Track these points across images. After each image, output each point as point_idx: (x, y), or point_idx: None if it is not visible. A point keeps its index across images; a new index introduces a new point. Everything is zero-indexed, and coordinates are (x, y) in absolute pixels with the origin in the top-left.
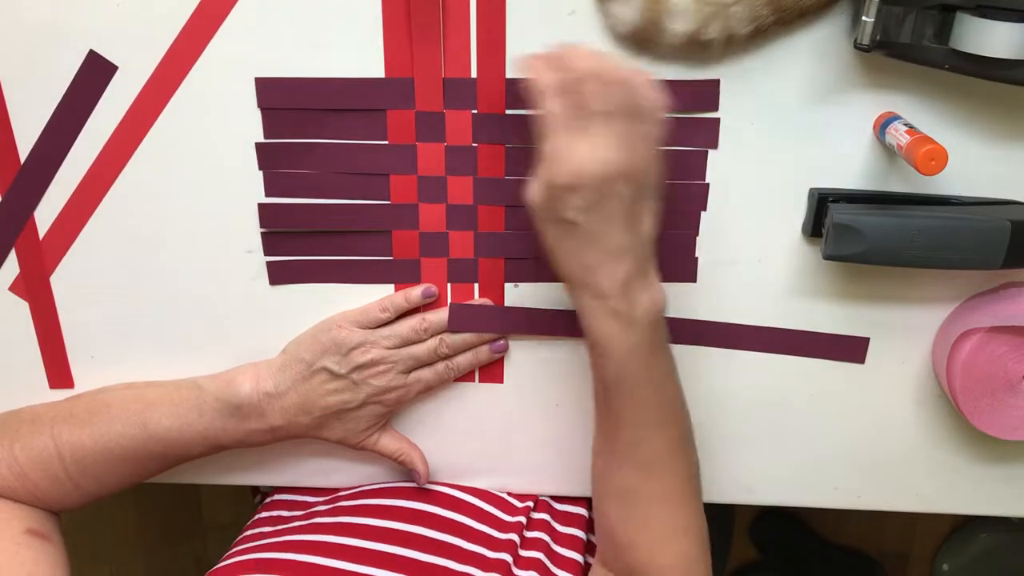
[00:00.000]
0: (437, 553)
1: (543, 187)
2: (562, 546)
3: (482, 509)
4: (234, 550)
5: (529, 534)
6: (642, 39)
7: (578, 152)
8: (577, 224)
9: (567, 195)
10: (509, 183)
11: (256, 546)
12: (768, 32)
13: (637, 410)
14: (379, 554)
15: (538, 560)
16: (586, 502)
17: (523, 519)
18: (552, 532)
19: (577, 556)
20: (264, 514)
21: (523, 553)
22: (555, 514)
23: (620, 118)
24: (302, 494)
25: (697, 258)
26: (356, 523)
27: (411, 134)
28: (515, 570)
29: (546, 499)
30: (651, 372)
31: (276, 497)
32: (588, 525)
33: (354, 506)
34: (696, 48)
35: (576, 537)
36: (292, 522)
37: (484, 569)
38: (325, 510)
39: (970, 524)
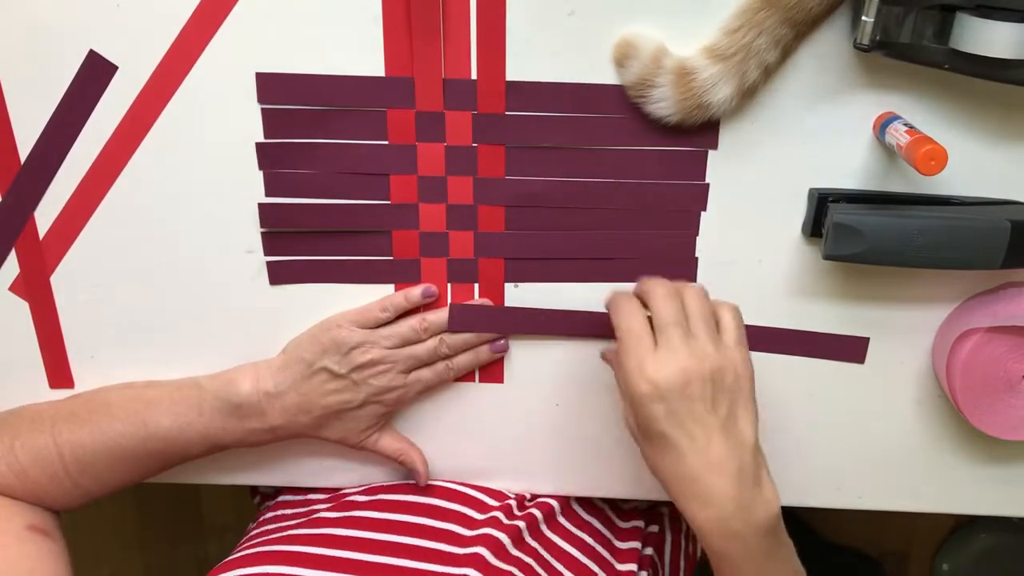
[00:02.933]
0: (433, 539)
1: (627, 402)
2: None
3: (475, 497)
4: (240, 547)
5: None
6: (690, 119)
7: (649, 366)
8: (667, 435)
9: (650, 405)
10: (509, 183)
11: (260, 542)
12: (791, 49)
13: None
14: (381, 542)
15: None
16: (586, 501)
17: (512, 502)
18: (555, 526)
19: (578, 554)
20: (269, 514)
21: (525, 539)
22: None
23: (693, 325)
24: (306, 494)
25: (697, 258)
26: (360, 516)
27: (411, 134)
28: (513, 550)
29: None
30: (770, 572)
31: (281, 498)
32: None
33: (358, 501)
34: (747, 96)
35: (578, 537)
36: (296, 519)
37: (467, 545)
38: (329, 506)
39: (970, 524)
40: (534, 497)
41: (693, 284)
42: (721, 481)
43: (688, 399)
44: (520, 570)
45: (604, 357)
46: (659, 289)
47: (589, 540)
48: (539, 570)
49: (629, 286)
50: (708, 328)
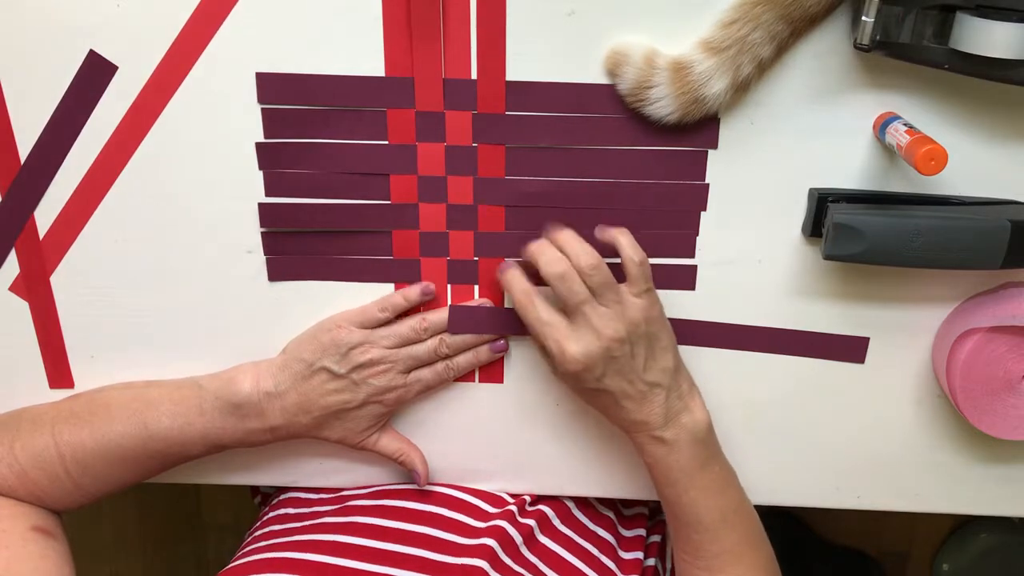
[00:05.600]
0: (437, 550)
1: (560, 376)
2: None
3: (475, 505)
4: (243, 551)
5: (526, 521)
6: (689, 115)
7: (570, 349)
8: (601, 390)
9: (582, 376)
10: (509, 183)
11: (265, 546)
12: (787, 47)
13: (701, 518)
14: (386, 553)
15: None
16: (590, 508)
17: (515, 508)
18: (553, 531)
19: (580, 564)
20: (272, 513)
21: (521, 547)
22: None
23: (600, 297)
24: (308, 493)
25: (697, 259)
26: (362, 522)
27: (411, 134)
28: (503, 558)
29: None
30: (704, 485)
31: (283, 496)
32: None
33: (361, 506)
34: (740, 91)
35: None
36: (300, 521)
37: (465, 556)
38: (332, 510)
39: (970, 524)
40: (535, 501)
41: (583, 250)
42: (649, 404)
43: (612, 360)
44: None
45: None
46: (555, 270)
47: (593, 550)
48: None
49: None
50: (612, 290)
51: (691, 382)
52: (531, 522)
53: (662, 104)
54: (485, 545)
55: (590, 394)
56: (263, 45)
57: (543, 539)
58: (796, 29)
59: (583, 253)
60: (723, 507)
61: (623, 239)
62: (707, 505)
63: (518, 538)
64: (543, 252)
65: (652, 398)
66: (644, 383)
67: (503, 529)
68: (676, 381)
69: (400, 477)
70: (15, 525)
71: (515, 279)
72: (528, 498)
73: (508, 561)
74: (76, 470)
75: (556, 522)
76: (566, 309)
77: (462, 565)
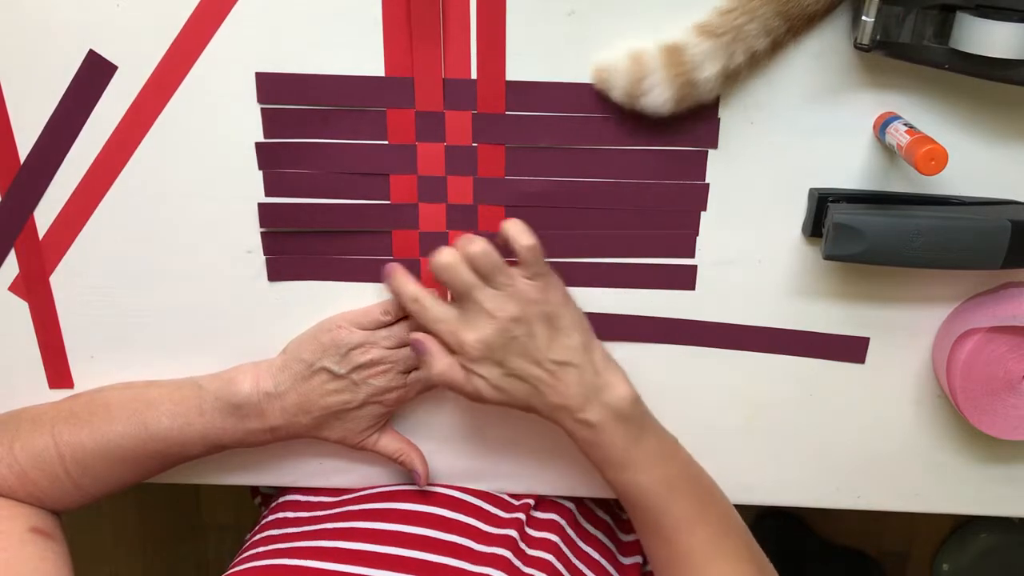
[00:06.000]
0: (442, 552)
1: (468, 368)
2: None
3: (481, 508)
4: (241, 556)
5: (536, 533)
6: (683, 100)
7: (466, 337)
8: (511, 373)
9: (485, 364)
10: (509, 183)
11: (264, 552)
12: (783, 43)
13: (646, 493)
14: (386, 557)
15: (546, 561)
16: (590, 513)
17: (522, 516)
18: (562, 534)
19: (584, 568)
20: (271, 517)
21: (529, 551)
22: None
23: (491, 281)
24: (307, 494)
25: (697, 259)
26: (363, 527)
27: (411, 134)
28: (517, 564)
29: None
30: (642, 459)
31: (281, 500)
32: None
33: (361, 510)
34: (730, 79)
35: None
36: (299, 526)
37: (479, 564)
38: (331, 515)
39: (970, 524)
40: (539, 502)
41: (469, 240)
42: (563, 384)
43: (512, 341)
44: None
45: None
46: (441, 262)
47: (594, 554)
48: None
49: (629, 290)
50: (503, 274)
51: (607, 359)
52: (539, 533)
53: (657, 92)
54: (497, 555)
55: (507, 388)
56: (263, 45)
57: (547, 552)
58: (793, 27)
59: (470, 242)
60: (667, 477)
61: (511, 226)
62: (651, 478)
63: (527, 548)
64: (433, 253)
65: (564, 377)
66: (552, 362)
67: (514, 539)
68: (588, 358)
69: (400, 477)
70: (13, 527)
71: (403, 284)
72: (532, 501)
73: (520, 566)
74: (76, 470)
75: (566, 528)
76: (458, 299)
77: (474, 572)
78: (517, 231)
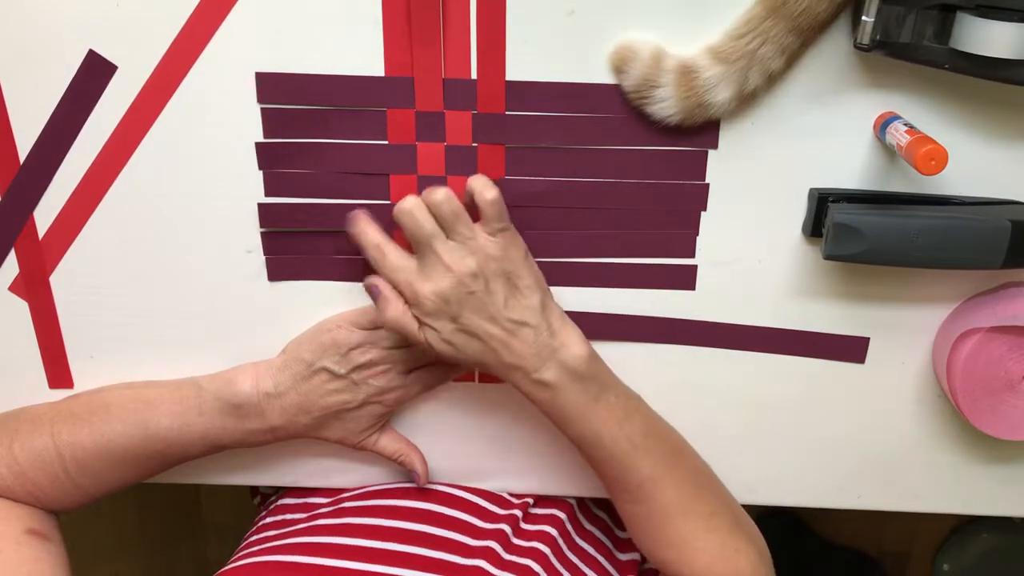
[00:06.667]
0: (435, 548)
1: (424, 328)
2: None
3: (478, 504)
4: (238, 554)
5: (532, 527)
6: (692, 119)
7: (422, 288)
8: (465, 329)
9: (438, 316)
10: (509, 183)
11: (260, 550)
12: (797, 55)
13: (611, 451)
14: (381, 552)
15: (538, 550)
16: (587, 511)
17: (519, 512)
18: (560, 528)
19: (581, 565)
20: (269, 519)
21: (521, 543)
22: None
23: (451, 232)
24: (306, 496)
25: (697, 259)
26: (359, 523)
27: (411, 134)
28: (505, 556)
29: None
30: (603, 417)
31: (281, 502)
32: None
33: (356, 507)
34: (746, 101)
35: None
36: (296, 524)
37: (470, 557)
38: (328, 512)
39: (970, 524)
40: (538, 500)
41: (434, 188)
42: (518, 344)
43: (469, 297)
44: None
45: (373, 291)
46: (404, 207)
47: (591, 550)
48: None
49: (629, 290)
50: (464, 225)
51: (563, 318)
52: (536, 527)
53: (665, 105)
54: (488, 547)
55: (458, 344)
56: (263, 45)
57: (541, 543)
58: (806, 39)
59: (434, 191)
60: (630, 435)
61: (475, 180)
62: (612, 437)
63: (519, 541)
64: (398, 206)
65: (520, 337)
66: (509, 321)
67: (505, 534)
68: (544, 319)
69: (399, 477)
70: (10, 528)
71: (366, 231)
72: (531, 500)
73: (511, 559)
74: (75, 470)
75: (565, 523)
76: (416, 248)
77: (465, 565)
78: (481, 185)
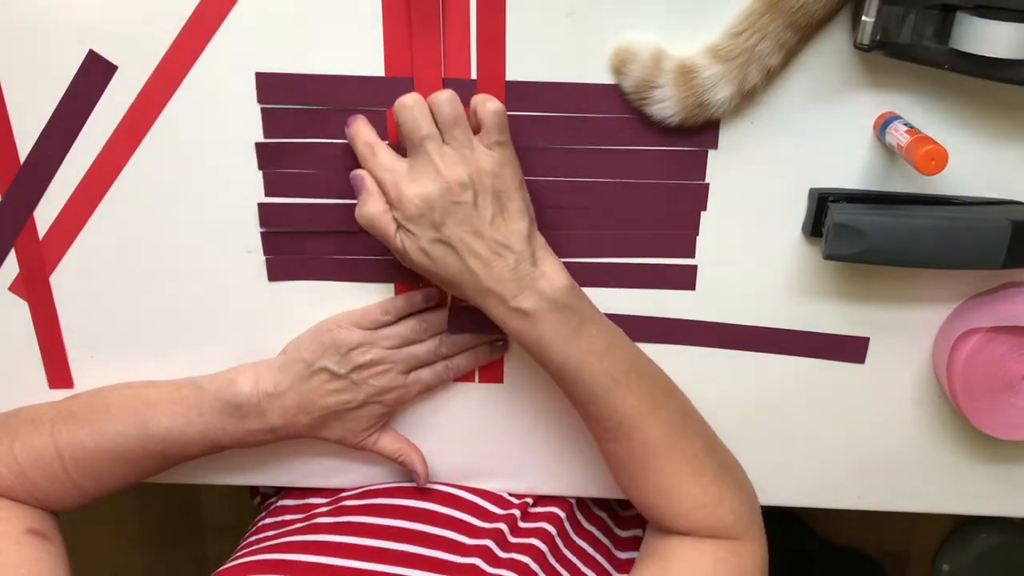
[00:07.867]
0: (432, 546)
1: (403, 231)
2: (573, 541)
3: (476, 504)
4: (236, 554)
5: (529, 525)
6: (692, 119)
7: (407, 190)
8: (444, 239)
9: (420, 222)
10: None
11: (259, 548)
12: (795, 52)
13: (592, 387)
14: (377, 550)
15: (533, 546)
16: (586, 509)
17: (517, 512)
18: (558, 525)
19: (579, 564)
20: (268, 519)
21: (517, 540)
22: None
23: (448, 136)
24: (305, 497)
25: (697, 259)
26: (357, 522)
27: None
28: (500, 553)
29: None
30: (583, 350)
31: (280, 503)
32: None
33: (355, 506)
34: (745, 99)
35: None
36: (294, 524)
37: (465, 555)
38: (326, 511)
39: (970, 524)
40: (537, 501)
41: (441, 92)
42: (499, 267)
43: (454, 206)
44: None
45: (357, 183)
46: (405, 101)
47: (589, 549)
48: None
49: (629, 290)
50: (462, 132)
51: (546, 249)
52: (534, 524)
53: (665, 105)
54: (484, 546)
55: (435, 256)
56: (263, 45)
57: (537, 539)
58: (804, 36)
59: (440, 92)
60: (611, 370)
61: (480, 95)
62: (592, 371)
63: (516, 539)
64: (399, 100)
65: (501, 259)
66: (493, 241)
67: (502, 532)
68: (528, 247)
69: (399, 477)
70: (10, 528)
71: (360, 131)
72: (530, 500)
73: (506, 556)
74: (75, 470)
75: (563, 521)
76: (409, 149)
77: (460, 563)
78: (485, 96)
